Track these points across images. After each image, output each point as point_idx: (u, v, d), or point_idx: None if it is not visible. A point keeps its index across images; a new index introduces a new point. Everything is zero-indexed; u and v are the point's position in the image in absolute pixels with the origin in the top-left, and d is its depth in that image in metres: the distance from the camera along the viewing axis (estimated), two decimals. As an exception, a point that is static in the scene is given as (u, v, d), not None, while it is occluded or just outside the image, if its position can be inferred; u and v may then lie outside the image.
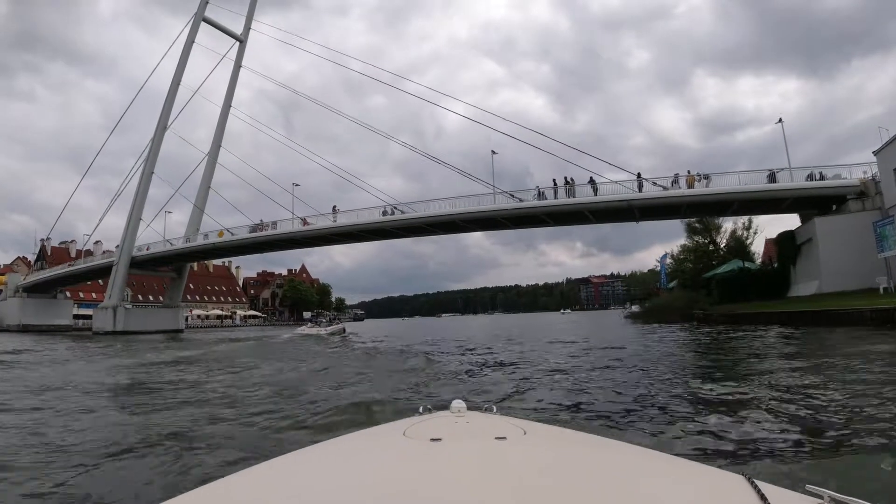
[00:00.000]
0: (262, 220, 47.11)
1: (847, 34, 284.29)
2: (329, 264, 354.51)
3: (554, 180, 34.37)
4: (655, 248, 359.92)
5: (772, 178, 31.36)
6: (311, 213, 44.39)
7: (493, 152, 36.48)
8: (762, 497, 1.05)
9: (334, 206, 42.13)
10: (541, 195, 33.47)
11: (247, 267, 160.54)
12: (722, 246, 53.07)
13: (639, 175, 32.62)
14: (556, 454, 1.53)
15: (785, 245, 34.04)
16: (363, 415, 6.34)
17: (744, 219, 42.93)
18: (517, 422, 1.91)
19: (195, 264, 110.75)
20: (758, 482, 1.13)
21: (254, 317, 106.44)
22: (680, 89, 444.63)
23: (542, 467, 1.34)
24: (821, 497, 1.08)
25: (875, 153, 28.63)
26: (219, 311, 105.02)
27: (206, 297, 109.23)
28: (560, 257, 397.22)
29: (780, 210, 33.84)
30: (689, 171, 32.50)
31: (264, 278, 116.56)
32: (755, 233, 44.23)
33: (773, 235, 47.25)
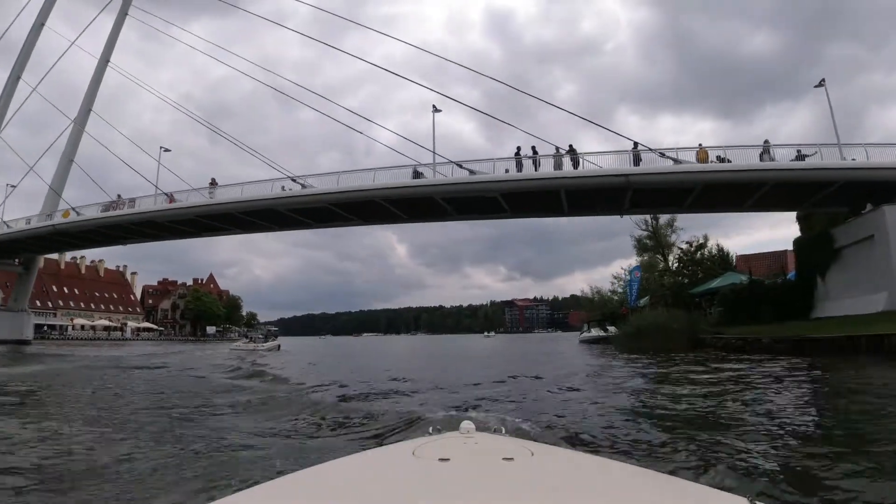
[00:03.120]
0: (119, 196, 33.47)
1: (763, 80, 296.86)
2: (249, 277, 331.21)
3: (518, 148, 23.55)
4: (577, 274, 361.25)
5: (800, 159, 22.11)
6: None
7: (435, 108, 25.22)
8: None
9: (213, 179, 29.47)
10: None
11: (147, 274, 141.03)
12: (672, 264, 45.73)
13: (636, 145, 22.34)
14: (563, 476, 1.50)
15: (812, 251, 24.70)
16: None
17: (699, 236, 35.56)
18: (525, 443, 1.86)
19: (83, 267, 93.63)
20: None
21: (148, 330, 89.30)
22: (605, 123, 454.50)
23: (548, 489, 1.28)
24: None
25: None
26: (106, 322, 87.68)
27: (93, 306, 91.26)
28: (484, 280, 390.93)
29: (804, 205, 24.65)
30: (700, 145, 22.60)
31: (165, 287, 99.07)
32: (708, 249, 35.94)
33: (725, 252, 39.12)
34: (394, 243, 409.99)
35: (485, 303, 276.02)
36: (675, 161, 21.11)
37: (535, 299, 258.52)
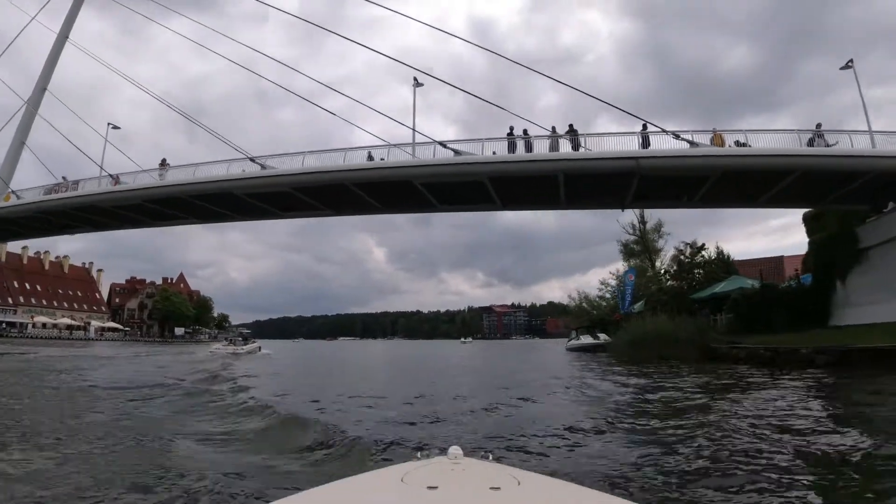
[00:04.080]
0: (63, 178, 29.33)
1: (741, 94, 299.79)
2: (224, 279, 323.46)
3: (511, 128, 20.33)
4: (553, 282, 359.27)
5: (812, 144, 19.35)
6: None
7: (417, 82, 21.83)
8: None
9: (163, 159, 25.64)
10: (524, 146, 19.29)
11: (122, 272, 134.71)
12: (662, 271, 43.55)
13: (645, 126, 19.27)
14: None
15: (832, 251, 21.97)
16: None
17: (689, 241, 32.83)
18: (512, 471, 1.86)
19: (47, 263, 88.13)
20: None
21: (113, 329, 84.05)
22: (586, 131, 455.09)
23: None
24: None
25: None
26: (69, 321, 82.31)
27: (56, 303, 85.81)
28: (462, 286, 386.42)
29: (826, 201, 21.64)
30: (714, 129, 19.60)
31: (133, 286, 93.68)
32: (702, 253, 32.78)
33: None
34: (371, 247, 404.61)
35: (462, 308, 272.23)
36: (692, 144, 18.05)
37: (512, 305, 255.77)
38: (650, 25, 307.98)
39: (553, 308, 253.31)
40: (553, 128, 19.61)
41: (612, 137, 18.93)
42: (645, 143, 18.83)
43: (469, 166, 18.51)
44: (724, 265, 30.46)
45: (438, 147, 19.91)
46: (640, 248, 47.70)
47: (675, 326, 21.24)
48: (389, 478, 1.75)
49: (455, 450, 2.08)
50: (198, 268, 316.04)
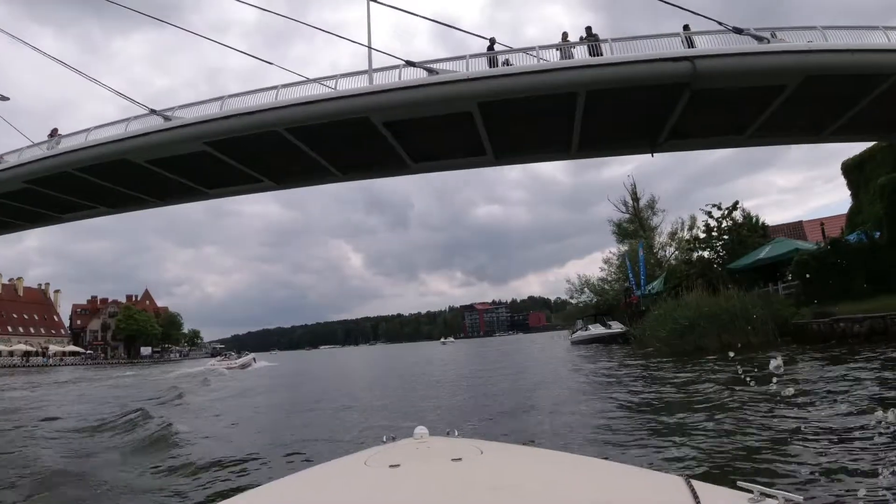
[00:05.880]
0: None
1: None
2: (200, 295, 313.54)
3: (491, 40, 14.33)
4: (531, 276, 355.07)
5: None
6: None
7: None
8: (695, 495, 1.03)
9: (54, 129, 19.13)
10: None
11: (83, 295, 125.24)
12: (660, 249, 38.90)
13: (686, 27, 13.57)
14: (510, 470, 1.44)
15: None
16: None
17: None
18: (475, 443, 1.82)
19: (-2, 287, 79.84)
20: (694, 482, 1.09)
21: (74, 353, 76.02)
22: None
23: (495, 483, 1.24)
24: (751, 492, 1.07)
25: None
26: (25, 346, 74.16)
27: (10, 328, 77.50)
28: (441, 287, 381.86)
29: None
30: (772, 30, 13.93)
31: (95, 306, 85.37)
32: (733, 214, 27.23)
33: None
34: (348, 253, 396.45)
35: (443, 309, 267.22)
36: (759, 39, 12.38)
37: (493, 303, 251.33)
38: (612, 17, 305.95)
39: (534, 303, 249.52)
40: (564, 34, 13.75)
41: (645, 41, 13.12)
42: (690, 41, 13.14)
43: (450, 86, 12.47)
44: (759, 229, 25.01)
45: (407, 72, 13.85)
46: (635, 226, 43.22)
47: (746, 304, 15.51)
48: (353, 463, 1.69)
49: (421, 430, 2.06)
50: (173, 285, 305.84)
